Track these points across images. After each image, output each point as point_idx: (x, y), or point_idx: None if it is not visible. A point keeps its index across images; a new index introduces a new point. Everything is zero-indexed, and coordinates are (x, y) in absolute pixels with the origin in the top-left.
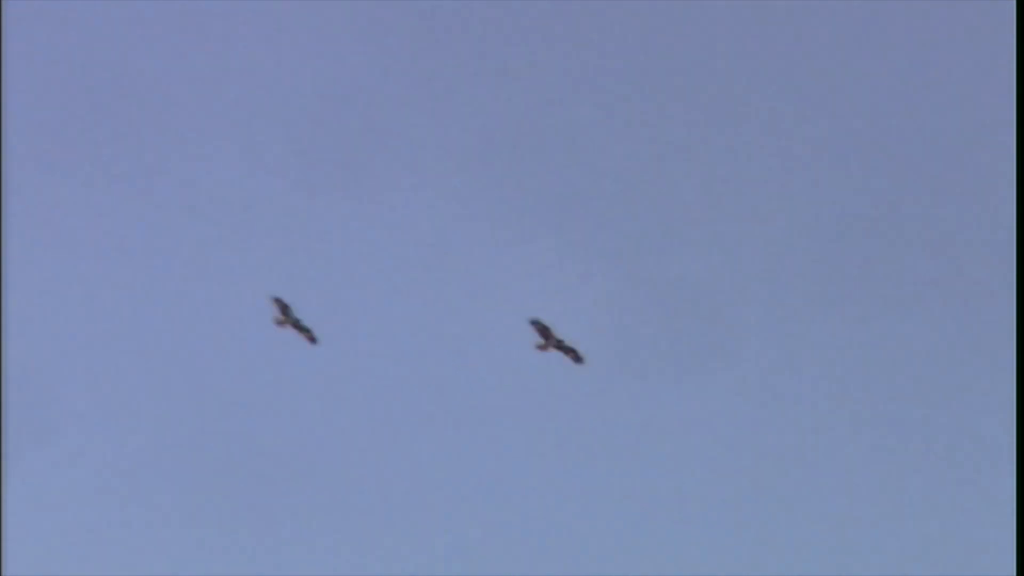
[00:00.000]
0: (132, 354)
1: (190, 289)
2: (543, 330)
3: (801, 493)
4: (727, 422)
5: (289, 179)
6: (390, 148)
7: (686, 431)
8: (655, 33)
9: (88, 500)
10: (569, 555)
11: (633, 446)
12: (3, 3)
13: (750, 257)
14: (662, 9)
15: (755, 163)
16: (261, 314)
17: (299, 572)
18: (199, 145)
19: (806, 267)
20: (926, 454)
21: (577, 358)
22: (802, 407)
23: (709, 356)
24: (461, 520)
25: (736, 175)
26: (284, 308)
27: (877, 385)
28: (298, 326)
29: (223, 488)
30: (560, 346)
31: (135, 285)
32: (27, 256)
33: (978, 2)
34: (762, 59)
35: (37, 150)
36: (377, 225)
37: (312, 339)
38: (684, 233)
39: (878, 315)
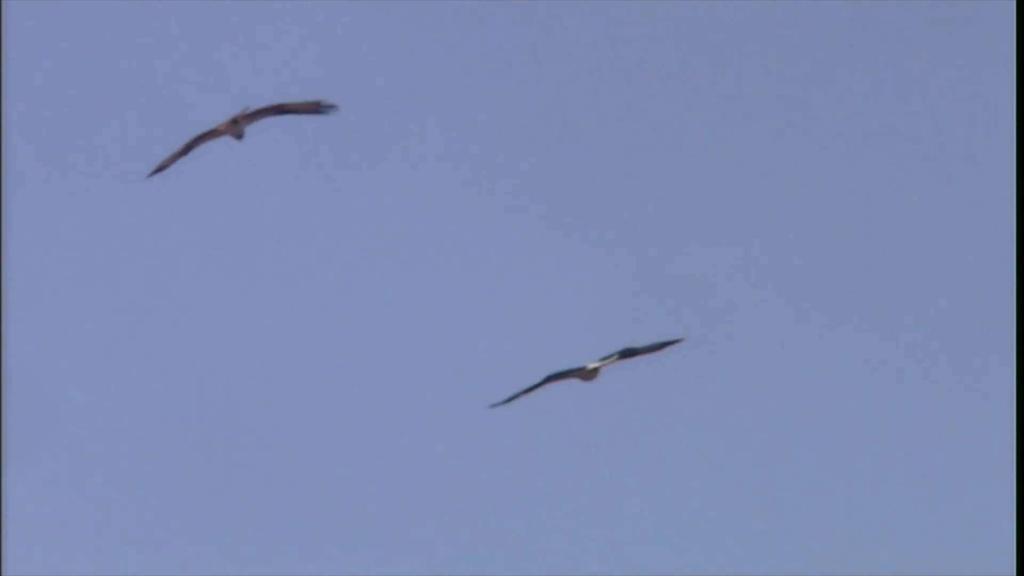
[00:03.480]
0: (133, 354)
1: (191, 288)
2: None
3: (801, 493)
4: (727, 422)
5: (288, 177)
6: (389, 146)
7: (686, 431)
8: (656, 32)
9: (89, 500)
10: (569, 555)
11: (633, 446)
12: (3, 3)
13: (751, 256)
14: (662, 9)
15: (756, 163)
16: (262, 313)
17: (301, 572)
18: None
19: (807, 267)
20: (927, 454)
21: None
22: (802, 407)
23: (709, 356)
24: (460, 520)
25: (737, 174)
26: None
27: (878, 385)
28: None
29: (226, 488)
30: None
31: (136, 284)
32: (27, 256)
33: (978, 2)
34: (762, 59)
35: (37, 150)
36: (376, 224)
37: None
38: (685, 232)
39: (880, 315)
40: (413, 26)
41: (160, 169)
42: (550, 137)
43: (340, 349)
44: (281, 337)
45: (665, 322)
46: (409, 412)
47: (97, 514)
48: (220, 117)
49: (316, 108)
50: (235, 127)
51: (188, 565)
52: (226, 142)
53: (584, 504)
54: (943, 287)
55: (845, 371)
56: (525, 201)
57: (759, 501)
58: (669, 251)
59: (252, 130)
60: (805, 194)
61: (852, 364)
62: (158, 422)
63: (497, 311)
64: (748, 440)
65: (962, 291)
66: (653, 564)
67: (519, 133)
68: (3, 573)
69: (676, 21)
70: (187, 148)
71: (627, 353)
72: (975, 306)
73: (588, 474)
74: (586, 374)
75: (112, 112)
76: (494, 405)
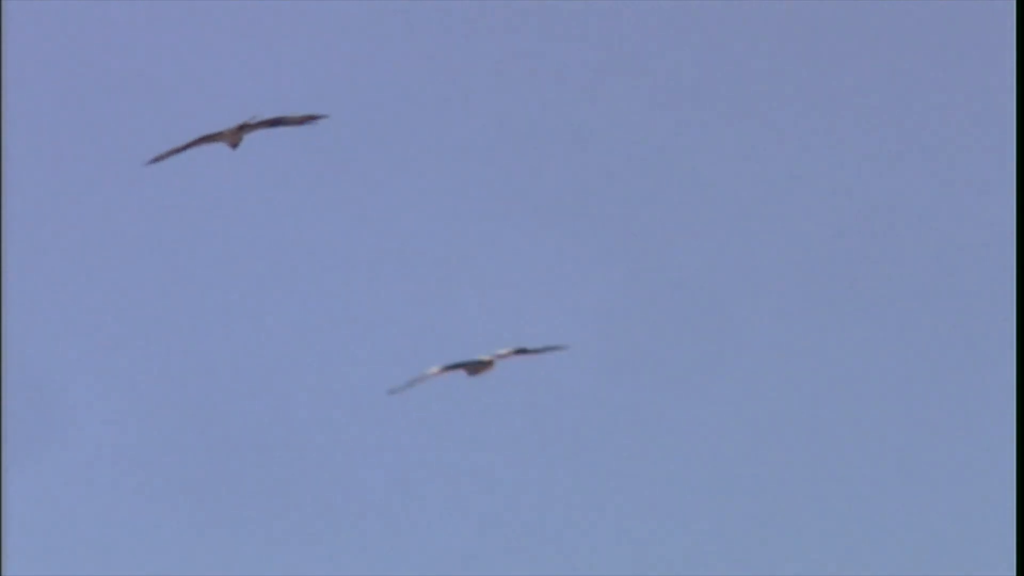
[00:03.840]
0: (134, 353)
1: (192, 287)
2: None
3: (801, 493)
4: (727, 422)
5: (288, 176)
6: (388, 146)
7: (686, 431)
8: (655, 32)
9: (89, 500)
10: (568, 555)
11: (633, 446)
12: (3, 3)
13: (750, 257)
14: (662, 9)
15: (756, 163)
16: (262, 313)
17: (301, 573)
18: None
19: (807, 267)
20: (927, 454)
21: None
22: (802, 407)
23: (709, 356)
24: (460, 520)
25: (736, 175)
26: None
27: (878, 385)
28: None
29: (226, 488)
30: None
31: (136, 284)
32: (27, 255)
33: (978, 2)
34: (762, 59)
35: (37, 150)
36: (375, 223)
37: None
38: (684, 233)
39: (880, 315)
40: (412, 25)
41: (158, 160)
42: (549, 137)
43: (339, 349)
44: (281, 337)
45: (665, 322)
46: (410, 413)
47: (97, 514)
48: (216, 117)
49: (309, 119)
50: (238, 134)
51: (189, 565)
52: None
53: (583, 505)
54: (943, 287)
55: (845, 372)
56: (523, 201)
57: (758, 501)
58: (669, 251)
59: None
60: (805, 194)
61: (852, 365)
62: (159, 422)
63: (496, 311)
64: (748, 441)
65: (962, 291)
66: (652, 565)
67: (518, 133)
68: (3, 573)
69: (676, 21)
70: (187, 146)
71: (520, 351)
72: (975, 306)
73: (588, 474)
74: (477, 367)
75: (113, 111)
76: (393, 391)
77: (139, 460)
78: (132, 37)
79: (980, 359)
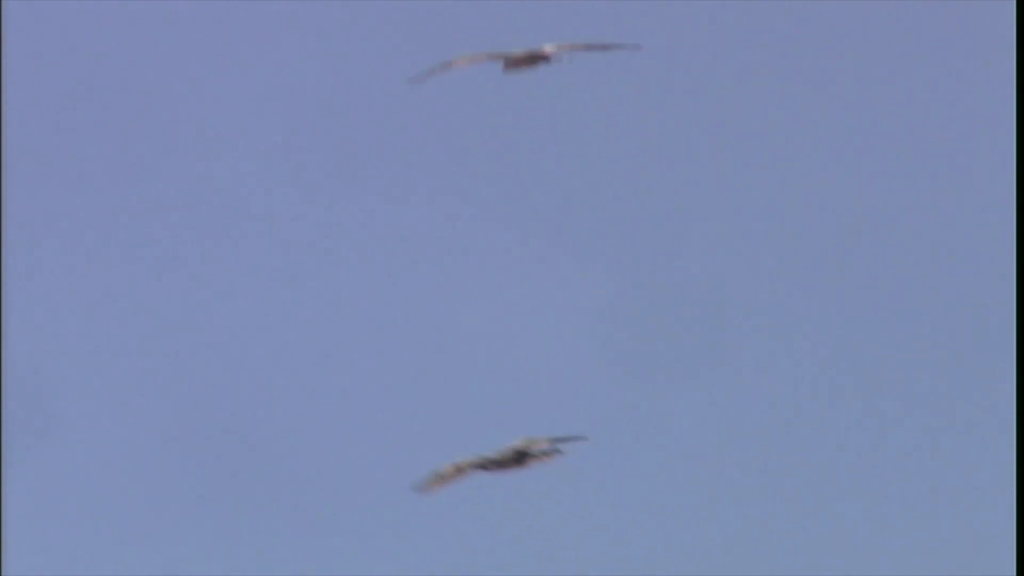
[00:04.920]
0: (133, 353)
1: (191, 288)
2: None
3: (801, 493)
4: (727, 422)
5: (288, 178)
6: (389, 146)
7: (686, 431)
8: (655, 32)
9: (89, 500)
10: (568, 555)
11: (632, 446)
12: (3, 3)
13: (750, 257)
14: (662, 8)
15: (756, 163)
16: (261, 313)
17: (300, 573)
18: (198, 143)
19: (807, 267)
20: (927, 454)
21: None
22: (802, 407)
23: (709, 356)
24: (460, 520)
25: (736, 175)
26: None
27: (878, 385)
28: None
29: (225, 488)
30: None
31: (135, 284)
32: (27, 256)
33: (978, 2)
34: (762, 59)
35: (37, 150)
36: (375, 224)
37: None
38: (683, 233)
39: (880, 315)
40: (409, 26)
41: (421, 79)
42: (548, 137)
43: (340, 350)
44: (281, 337)
45: (665, 324)
46: (408, 412)
47: (97, 513)
48: (217, 117)
49: None
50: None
51: (188, 564)
52: (228, 141)
53: (583, 503)
54: (943, 287)
55: (844, 372)
56: (524, 202)
57: (758, 502)
58: (669, 252)
59: (254, 126)
60: (805, 194)
61: (852, 365)
62: (159, 422)
63: (495, 313)
64: (748, 442)
65: (962, 291)
66: (652, 564)
67: (516, 133)
68: (3, 573)
69: (675, 21)
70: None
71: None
72: (975, 307)
73: (587, 474)
74: None
75: (113, 111)
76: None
77: (138, 460)
78: (132, 37)
79: (980, 359)
